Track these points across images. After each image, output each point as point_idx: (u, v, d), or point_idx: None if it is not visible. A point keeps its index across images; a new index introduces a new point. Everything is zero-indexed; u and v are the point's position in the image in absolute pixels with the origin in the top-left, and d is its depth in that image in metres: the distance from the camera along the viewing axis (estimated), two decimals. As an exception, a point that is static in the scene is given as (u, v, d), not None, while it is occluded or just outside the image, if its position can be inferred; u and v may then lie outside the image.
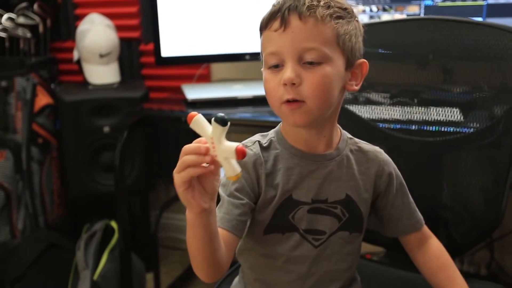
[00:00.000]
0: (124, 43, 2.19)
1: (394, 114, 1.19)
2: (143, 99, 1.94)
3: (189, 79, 2.07)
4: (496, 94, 1.09)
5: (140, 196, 2.12)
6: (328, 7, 0.80)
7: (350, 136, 0.93)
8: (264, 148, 0.87)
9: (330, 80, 0.81)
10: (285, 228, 0.88)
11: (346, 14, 0.82)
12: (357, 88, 0.86)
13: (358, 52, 0.85)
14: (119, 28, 2.09)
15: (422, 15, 1.72)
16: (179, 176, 0.68)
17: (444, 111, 1.13)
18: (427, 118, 1.15)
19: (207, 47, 1.85)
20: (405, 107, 1.18)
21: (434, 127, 1.15)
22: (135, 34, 2.18)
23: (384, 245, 1.22)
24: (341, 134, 0.92)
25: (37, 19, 2.01)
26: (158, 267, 2.00)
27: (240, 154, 0.66)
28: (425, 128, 1.16)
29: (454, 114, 1.13)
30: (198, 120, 0.67)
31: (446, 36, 1.14)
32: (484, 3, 1.66)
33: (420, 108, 1.16)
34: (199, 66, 2.06)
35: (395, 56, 1.24)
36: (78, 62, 2.03)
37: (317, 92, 0.79)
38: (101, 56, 1.96)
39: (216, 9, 1.82)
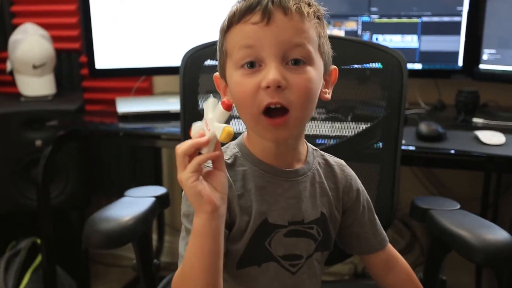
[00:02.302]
0: (64, 54, 2.14)
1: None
2: (78, 111, 1.87)
3: (129, 92, 2.02)
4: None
5: (76, 212, 2.05)
6: (309, 4, 0.74)
7: (314, 147, 0.86)
8: (229, 166, 0.77)
9: (315, 85, 0.74)
10: (261, 258, 0.79)
11: (321, 15, 0.77)
12: (329, 97, 0.79)
13: (331, 57, 0.79)
14: (58, 39, 2.04)
15: (359, 31, 1.72)
16: (185, 171, 0.65)
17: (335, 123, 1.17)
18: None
19: (144, 60, 1.81)
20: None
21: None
22: (74, 46, 2.12)
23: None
24: (308, 146, 0.84)
25: (-31, 28, 1.94)
26: (89, 284, 1.92)
27: (224, 104, 0.66)
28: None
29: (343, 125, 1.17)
30: (194, 126, 0.70)
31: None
32: (419, 21, 1.66)
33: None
34: (138, 79, 2.01)
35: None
36: (11, 73, 1.96)
37: (304, 98, 0.71)
38: (35, 67, 1.89)
39: (154, 21, 1.78)
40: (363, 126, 1.14)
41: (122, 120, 1.67)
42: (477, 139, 1.35)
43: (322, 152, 0.87)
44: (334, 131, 1.17)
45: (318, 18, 0.75)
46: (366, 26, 1.72)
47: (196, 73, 1.17)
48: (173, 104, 1.74)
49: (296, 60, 0.72)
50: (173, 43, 1.79)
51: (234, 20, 0.73)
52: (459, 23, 1.62)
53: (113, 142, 2.00)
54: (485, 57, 1.61)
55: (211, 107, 0.68)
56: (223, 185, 0.68)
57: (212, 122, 0.67)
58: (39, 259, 1.71)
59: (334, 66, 0.81)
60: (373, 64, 1.13)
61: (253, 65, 0.72)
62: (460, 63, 1.64)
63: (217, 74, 0.81)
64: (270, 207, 0.78)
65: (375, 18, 1.70)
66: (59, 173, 1.87)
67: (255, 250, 0.78)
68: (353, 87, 1.15)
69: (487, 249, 0.87)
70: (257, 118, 0.72)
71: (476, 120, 1.52)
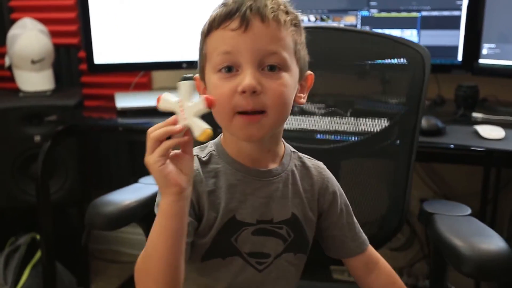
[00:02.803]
0: (63, 49, 2.13)
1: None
2: (77, 107, 1.87)
3: (128, 87, 2.02)
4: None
5: (76, 207, 2.04)
6: (287, 12, 0.76)
7: (293, 149, 0.88)
8: (203, 163, 0.80)
9: (289, 90, 0.76)
10: (226, 252, 0.80)
11: (299, 22, 0.79)
12: (304, 101, 0.82)
13: (307, 63, 0.82)
14: (57, 34, 2.03)
15: (358, 26, 1.72)
16: (152, 155, 0.65)
17: (352, 120, 1.14)
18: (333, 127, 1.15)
19: (142, 55, 1.81)
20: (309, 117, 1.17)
21: (332, 136, 1.15)
22: (73, 41, 2.12)
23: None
24: (285, 148, 0.86)
25: (-33, 23, 1.94)
26: (88, 280, 1.92)
27: (208, 101, 0.66)
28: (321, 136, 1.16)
29: (357, 121, 1.14)
30: (164, 98, 0.69)
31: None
32: (418, 15, 1.66)
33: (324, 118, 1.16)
34: (137, 74, 2.01)
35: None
36: (10, 68, 1.96)
37: (279, 102, 0.74)
38: (33, 62, 1.88)
39: (153, 16, 1.78)
40: (383, 124, 1.10)
41: (121, 115, 1.67)
42: (476, 133, 1.35)
43: (301, 155, 0.89)
44: (354, 127, 1.14)
45: (295, 25, 0.78)
46: (365, 21, 1.71)
47: None
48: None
49: (271, 66, 0.74)
50: (172, 38, 1.79)
51: (214, 25, 0.76)
52: (459, 17, 1.61)
53: (112, 137, 1.99)
54: (484, 51, 1.61)
55: (188, 91, 0.68)
56: (190, 168, 0.68)
57: (190, 113, 0.67)
58: (38, 254, 1.71)
59: (310, 72, 0.83)
60: (397, 59, 1.10)
61: (230, 69, 0.74)
62: (460, 57, 1.63)
63: (197, 75, 0.83)
64: (239, 205, 0.80)
65: (374, 12, 1.70)
66: (58, 169, 1.87)
67: (220, 245, 0.79)
68: (374, 83, 1.13)
69: (477, 260, 0.81)
70: (231, 118, 0.74)
71: (475, 114, 1.52)
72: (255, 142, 0.79)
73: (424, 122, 1.35)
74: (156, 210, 0.75)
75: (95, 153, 2.17)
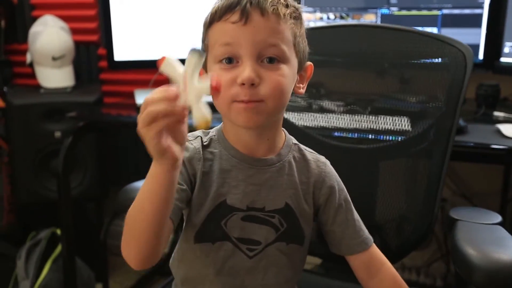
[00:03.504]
0: (82, 46, 2.15)
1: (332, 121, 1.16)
2: (96, 103, 1.89)
3: (147, 84, 2.03)
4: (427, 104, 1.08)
5: (94, 203, 2.07)
6: (287, 6, 0.78)
7: (295, 141, 0.89)
8: (204, 146, 0.83)
9: (287, 81, 0.78)
10: (216, 237, 0.82)
11: (299, 15, 0.81)
12: (303, 91, 0.84)
13: (307, 54, 0.84)
14: (77, 31, 2.05)
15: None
16: (148, 129, 0.62)
17: (389, 120, 1.12)
18: (372, 126, 1.13)
19: (161, 52, 1.81)
20: (353, 115, 1.15)
21: (370, 135, 1.13)
22: (93, 38, 2.13)
23: (319, 256, 1.18)
24: (286, 139, 0.87)
25: (-10, 20, 1.97)
26: (107, 276, 1.94)
27: (214, 87, 0.63)
28: (359, 135, 1.14)
29: (395, 121, 1.11)
30: (169, 61, 0.63)
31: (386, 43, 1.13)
32: (439, 13, 1.65)
33: (369, 116, 1.14)
34: (155, 71, 2.01)
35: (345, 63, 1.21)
36: (31, 65, 1.98)
37: (276, 92, 0.76)
38: (54, 59, 1.91)
39: (172, 14, 1.79)
40: (422, 126, 1.07)
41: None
42: (499, 132, 1.34)
43: (303, 147, 0.90)
44: (390, 126, 1.12)
45: (295, 18, 0.80)
46: (385, 19, 1.70)
47: None
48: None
49: (270, 58, 0.76)
50: (191, 35, 1.80)
51: (215, 17, 0.78)
52: (480, 15, 1.60)
53: (131, 134, 2.00)
54: (506, 50, 1.59)
55: (196, 64, 0.63)
56: (184, 136, 0.66)
57: (193, 92, 0.62)
58: (58, 249, 1.73)
59: (309, 63, 0.85)
60: (438, 59, 1.08)
61: (231, 61, 0.77)
62: (481, 56, 1.62)
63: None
64: (230, 189, 0.82)
65: (394, 10, 1.69)
66: (77, 164, 1.90)
67: (210, 227, 0.82)
68: (411, 82, 1.10)
69: (488, 269, 0.77)
70: (230, 105, 0.76)
71: (497, 113, 1.50)
72: (254, 129, 0.81)
73: (445, 121, 1.34)
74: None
75: (114, 149, 2.19)
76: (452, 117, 1.04)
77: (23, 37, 2.18)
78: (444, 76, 1.06)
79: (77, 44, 2.07)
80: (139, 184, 1.00)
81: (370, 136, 1.12)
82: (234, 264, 0.83)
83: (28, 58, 1.98)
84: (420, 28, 1.67)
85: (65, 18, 2.01)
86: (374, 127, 1.12)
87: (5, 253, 1.80)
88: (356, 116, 1.15)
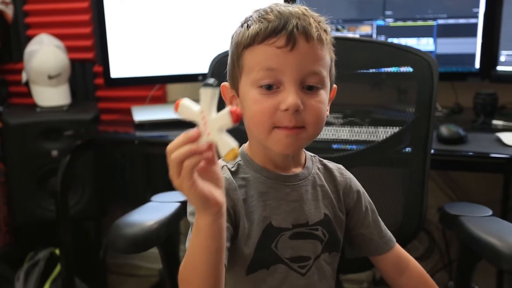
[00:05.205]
0: (78, 64, 2.15)
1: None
2: (93, 121, 1.88)
3: (143, 100, 2.03)
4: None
5: (93, 221, 2.05)
6: (325, 31, 0.78)
7: (312, 154, 0.90)
8: (233, 173, 0.80)
9: (325, 106, 0.78)
10: (269, 261, 0.80)
11: (332, 40, 0.81)
12: (328, 114, 0.83)
13: (334, 78, 0.84)
14: (72, 49, 2.05)
15: (374, 36, 1.72)
16: (181, 179, 0.59)
17: (361, 129, 1.16)
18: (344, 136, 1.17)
19: (158, 68, 1.81)
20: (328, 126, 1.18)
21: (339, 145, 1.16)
22: (88, 55, 2.13)
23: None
24: (305, 153, 0.88)
25: (-15, 40, 1.96)
26: (107, 295, 1.92)
27: (234, 116, 0.59)
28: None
29: (365, 131, 1.16)
30: (184, 104, 0.62)
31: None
32: (434, 23, 1.66)
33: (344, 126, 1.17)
34: (152, 87, 2.01)
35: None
36: (27, 84, 1.97)
37: (318, 119, 0.76)
38: (50, 77, 1.90)
39: (167, 30, 1.79)
40: (391, 131, 1.13)
41: (138, 129, 1.67)
42: (499, 141, 1.33)
43: (320, 158, 0.91)
44: (356, 136, 1.16)
45: (331, 44, 0.80)
46: (381, 30, 1.71)
47: (223, 79, 1.17)
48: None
49: (311, 86, 0.76)
50: (186, 51, 1.79)
51: (257, 39, 0.76)
52: (475, 25, 1.60)
53: (128, 151, 2.00)
54: (502, 58, 1.60)
55: (211, 100, 0.61)
56: (221, 178, 0.64)
57: (214, 127, 0.60)
58: (57, 269, 1.71)
59: (334, 85, 0.85)
60: (404, 67, 1.12)
61: (270, 87, 0.75)
62: (477, 65, 1.62)
63: (225, 84, 0.83)
64: (273, 211, 0.81)
65: (390, 21, 1.70)
66: (75, 183, 1.88)
67: (263, 254, 0.79)
68: (381, 91, 1.14)
69: None
70: (270, 132, 0.75)
71: (496, 122, 1.50)
72: (289, 154, 0.80)
73: (445, 131, 1.34)
74: (190, 218, 0.75)
75: (111, 167, 2.17)
76: (427, 122, 1.08)
77: (18, 56, 2.18)
78: (412, 84, 1.11)
79: (73, 62, 2.07)
80: (130, 217, 0.98)
81: (335, 146, 1.16)
82: (290, 285, 0.81)
83: (24, 77, 1.98)
84: (416, 39, 1.68)
85: (60, 37, 2.01)
86: (347, 137, 1.16)
87: (3, 275, 1.78)
88: (329, 127, 1.18)
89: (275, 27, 0.74)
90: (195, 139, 0.60)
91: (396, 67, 1.12)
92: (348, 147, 1.16)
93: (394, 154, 1.13)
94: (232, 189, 0.78)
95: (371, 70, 1.15)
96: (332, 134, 1.18)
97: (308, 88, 0.76)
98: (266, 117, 0.74)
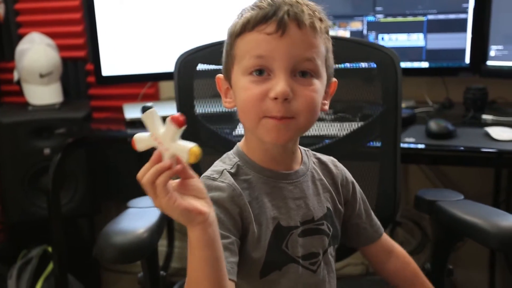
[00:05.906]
0: (70, 62, 2.14)
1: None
2: (85, 119, 1.88)
3: (135, 98, 2.03)
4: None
5: (86, 219, 2.05)
6: (321, 20, 0.76)
7: (304, 148, 0.89)
8: (233, 175, 0.78)
9: (319, 97, 0.76)
10: (281, 262, 0.79)
11: (328, 30, 0.79)
12: (327, 108, 0.82)
13: (333, 70, 0.82)
14: (64, 48, 2.04)
15: (364, 31, 1.72)
16: (158, 199, 0.61)
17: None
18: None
19: (149, 66, 1.81)
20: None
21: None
22: (80, 54, 2.12)
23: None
24: (299, 148, 0.86)
25: (-24, 38, 1.95)
26: (100, 292, 1.92)
27: (176, 121, 0.60)
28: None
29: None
30: (137, 138, 0.64)
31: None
32: (424, 19, 1.66)
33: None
34: (144, 85, 2.01)
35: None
36: (19, 82, 1.97)
37: (309, 108, 0.74)
38: (42, 76, 1.89)
39: (159, 27, 1.79)
40: (358, 124, 1.15)
41: (130, 126, 1.67)
42: (487, 135, 1.34)
43: (313, 152, 0.90)
44: (322, 131, 1.19)
45: (327, 33, 0.78)
46: (371, 26, 1.72)
47: (190, 77, 1.17)
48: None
49: (303, 72, 0.74)
50: (178, 48, 1.78)
51: (247, 27, 0.74)
52: (465, 20, 1.61)
53: (121, 148, 1.99)
54: (492, 53, 1.61)
55: (153, 120, 0.63)
56: (201, 189, 0.64)
57: (167, 140, 0.61)
58: (50, 267, 1.71)
59: (334, 79, 0.83)
60: (367, 63, 1.15)
61: (261, 72, 0.73)
62: (467, 60, 1.63)
63: (220, 75, 0.82)
64: (280, 211, 0.79)
65: (380, 17, 1.70)
66: (68, 181, 1.88)
67: (274, 255, 0.78)
68: (348, 86, 1.16)
69: (502, 234, 0.91)
70: (259, 120, 0.74)
71: (485, 116, 1.51)
72: (280, 145, 0.78)
73: (434, 126, 1.35)
74: None
75: (104, 165, 2.17)
76: (394, 116, 1.11)
77: (10, 55, 2.17)
78: (376, 78, 1.13)
79: (65, 60, 2.06)
80: (117, 226, 0.93)
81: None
82: (303, 284, 0.81)
83: (15, 75, 1.97)
84: (406, 34, 1.69)
85: (51, 35, 2.00)
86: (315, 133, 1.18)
87: (-4, 273, 1.78)
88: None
89: (265, 13, 0.73)
90: (158, 160, 0.61)
91: (360, 63, 1.16)
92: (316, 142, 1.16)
93: (364, 147, 1.16)
94: (237, 195, 0.76)
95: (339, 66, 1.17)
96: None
97: (302, 74, 0.74)
98: (254, 105, 0.73)
